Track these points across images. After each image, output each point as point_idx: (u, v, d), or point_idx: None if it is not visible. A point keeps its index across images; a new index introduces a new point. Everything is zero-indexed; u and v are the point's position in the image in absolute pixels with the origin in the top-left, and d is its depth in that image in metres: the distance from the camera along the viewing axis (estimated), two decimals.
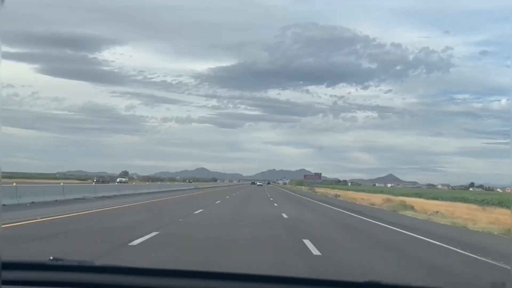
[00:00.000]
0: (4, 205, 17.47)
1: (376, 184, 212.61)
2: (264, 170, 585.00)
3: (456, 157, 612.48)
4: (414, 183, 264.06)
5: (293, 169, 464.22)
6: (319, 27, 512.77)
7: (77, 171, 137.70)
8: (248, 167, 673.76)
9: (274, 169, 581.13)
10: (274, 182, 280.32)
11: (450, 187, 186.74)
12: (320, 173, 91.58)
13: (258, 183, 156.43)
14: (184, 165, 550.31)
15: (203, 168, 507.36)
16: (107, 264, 2.39)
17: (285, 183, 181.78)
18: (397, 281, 2.11)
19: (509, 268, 8.39)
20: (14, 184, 21.08)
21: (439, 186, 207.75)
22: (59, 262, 2.27)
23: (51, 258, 2.29)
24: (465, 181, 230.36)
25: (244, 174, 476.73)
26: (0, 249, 2.04)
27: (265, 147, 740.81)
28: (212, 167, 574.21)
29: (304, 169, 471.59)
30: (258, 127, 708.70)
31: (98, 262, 2.33)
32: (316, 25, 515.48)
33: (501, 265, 8.84)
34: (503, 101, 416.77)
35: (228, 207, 25.07)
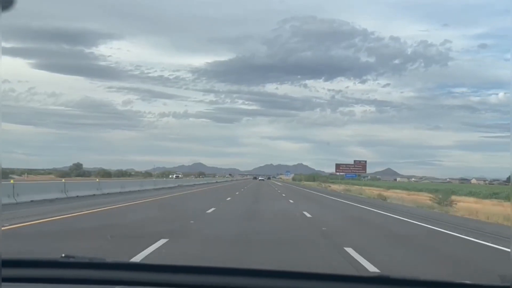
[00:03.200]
0: None
1: (398, 179, 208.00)
2: (262, 165, 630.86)
3: (454, 150, 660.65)
4: (411, 177, 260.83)
5: (291, 163, 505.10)
6: (318, 20, 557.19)
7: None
8: (246, 162, 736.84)
9: (271, 164, 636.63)
10: (274, 177, 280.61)
11: (487, 182, 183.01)
12: (365, 162, 68.07)
13: (260, 178, 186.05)
14: (181, 160, 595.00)
15: (200, 163, 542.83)
16: (118, 261, 2.60)
17: (298, 180, 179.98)
18: (406, 276, 2.32)
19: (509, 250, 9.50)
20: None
21: (473, 181, 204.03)
22: (71, 259, 2.47)
23: (63, 255, 2.49)
24: (462, 175, 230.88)
25: (241, 169, 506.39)
26: (0, 247, 2.24)
27: (262, 141, 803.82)
28: (209, 162, 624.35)
29: (301, 164, 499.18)
30: (255, 121, 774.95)
31: (109, 259, 2.52)
32: (315, 19, 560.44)
33: None
34: (501, 94, 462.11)
35: None
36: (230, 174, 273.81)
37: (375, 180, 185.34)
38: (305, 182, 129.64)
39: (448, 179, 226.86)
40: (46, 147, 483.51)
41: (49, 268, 2.42)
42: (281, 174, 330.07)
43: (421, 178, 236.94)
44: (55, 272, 2.38)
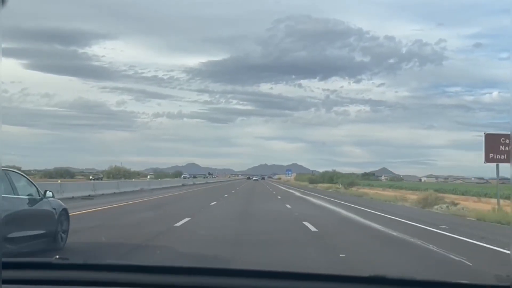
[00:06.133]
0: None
1: (423, 179, 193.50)
2: (256, 165, 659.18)
3: (447, 150, 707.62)
4: (414, 176, 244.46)
5: (285, 163, 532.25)
6: (313, 20, 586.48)
7: (66, 167, 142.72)
8: (240, 162, 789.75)
9: (266, 164, 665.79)
10: (271, 177, 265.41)
11: None
12: None
13: (254, 178, 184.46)
14: (175, 160, 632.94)
15: (194, 163, 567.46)
16: (112, 262, 2.75)
17: (312, 182, 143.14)
18: (403, 275, 2.43)
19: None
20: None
21: None
22: (65, 261, 2.65)
23: (57, 257, 2.70)
24: (457, 174, 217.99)
25: (236, 170, 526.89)
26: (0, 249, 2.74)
27: (257, 142, 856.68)
28: (204, 162, 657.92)
29: (296, 164, 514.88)
30: (250, 122, 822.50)
31: (104, 261, 2.71)
32: (310, 18, 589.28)
33: None
34: (495, 93, 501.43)
35: None
36: (209, 173, 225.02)
37: (397, 180, 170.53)
38: (359, 189, 68.10)
39: (473, 178, 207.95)
40: (39, 148, 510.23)
41: (43, 270, 2.54)
42: (277, 173, 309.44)
43: (446, 178, 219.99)
44: (49, 273, 2.51)
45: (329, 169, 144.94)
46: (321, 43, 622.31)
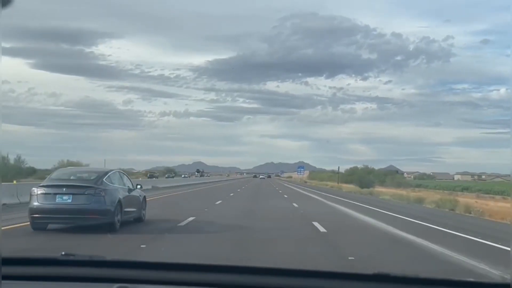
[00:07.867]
0: None
1: (457, 177, 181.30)
2: (262, 163, 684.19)
3: (454, 147, 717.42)
4: (411, 173, 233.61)
5: (291, 161, 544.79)
6: (319, 17, 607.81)
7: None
8: (246, 160, 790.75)
9: (272, 162, 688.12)
10: (279, 175, 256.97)
11: None
12: None
13: (260, 177, 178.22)
14: (182, 159, 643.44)
15: (200, 162, 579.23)
16: (118, 259, 2.75)
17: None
18: (406, 273, 2.45)
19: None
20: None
21: None
22: (71, 257, 2.62)
23: (63, 253, 2.65)
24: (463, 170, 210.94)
25: (242, 168, 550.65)
26: (0, 245, 2.38)
27: (263, 140, 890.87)
28: (210, 161, 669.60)
29: (302, 162, 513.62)
30: (256, 120, 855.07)
31: (109, 257, 2.67)
32: (316, 15, 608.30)
33: None
34: (502, 90, 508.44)
35: None
36: (198, 170, 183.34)
37: (428, 178, 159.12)
38: None
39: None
40: (46, 148, 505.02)
41: (49, 266, 2.55)
42: (285, 171, 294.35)
43: (479, 175, 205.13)
44: (55, 270, 2.52)
45: (334, 167, 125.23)
46: (327, 40, 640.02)
